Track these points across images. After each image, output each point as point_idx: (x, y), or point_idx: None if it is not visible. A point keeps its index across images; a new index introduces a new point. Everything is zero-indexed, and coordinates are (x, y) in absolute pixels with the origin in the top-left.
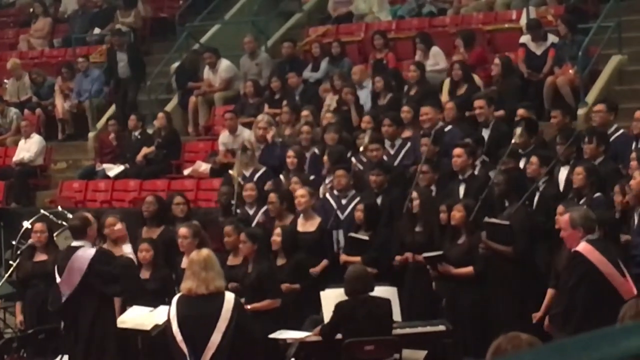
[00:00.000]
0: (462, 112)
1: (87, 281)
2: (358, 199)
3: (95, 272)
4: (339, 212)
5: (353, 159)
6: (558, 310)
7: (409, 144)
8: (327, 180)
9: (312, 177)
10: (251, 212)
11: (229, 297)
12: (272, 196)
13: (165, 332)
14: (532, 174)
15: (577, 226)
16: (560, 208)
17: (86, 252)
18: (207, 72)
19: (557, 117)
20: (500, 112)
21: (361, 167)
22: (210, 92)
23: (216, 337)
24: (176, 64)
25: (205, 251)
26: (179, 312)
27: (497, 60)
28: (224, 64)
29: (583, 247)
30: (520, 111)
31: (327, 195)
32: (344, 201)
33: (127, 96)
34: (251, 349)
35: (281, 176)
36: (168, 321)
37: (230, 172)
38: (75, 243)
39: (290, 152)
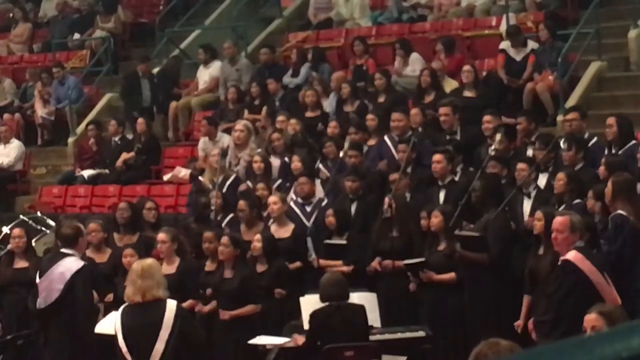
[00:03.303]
0: (428, 119)
1: (67, 293)
2: (323, 204)
3: (77, 286)
4: (304, 220)
5: (321, 166)
6: (546, 318)
7: (373, 151)
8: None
9: (278, 183)
10: (218, 218)
11: (171, 306)
12: (242, 204)
13: (113, 343)
14: (521, 180)
15: (577, 230)
16: (538, 214)
17: (73, 264)
18: (200, 71)
19: (522, 124)
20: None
21: (328, 174)
22: (198, 94)
23: (159, 347)
24: (156, 70)
25: (148, 261)
26: (123, 322)
27: (467, 67)
28: (218, 63)
29: (573, 255)
30: (487, 117)
31: (292, 203)
32: (308, 208)
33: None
34: (195, 355)
35: (248, 182)
36: (115, 332)
37: (200, 178)
38: (63, 250)
39: (257, 158)
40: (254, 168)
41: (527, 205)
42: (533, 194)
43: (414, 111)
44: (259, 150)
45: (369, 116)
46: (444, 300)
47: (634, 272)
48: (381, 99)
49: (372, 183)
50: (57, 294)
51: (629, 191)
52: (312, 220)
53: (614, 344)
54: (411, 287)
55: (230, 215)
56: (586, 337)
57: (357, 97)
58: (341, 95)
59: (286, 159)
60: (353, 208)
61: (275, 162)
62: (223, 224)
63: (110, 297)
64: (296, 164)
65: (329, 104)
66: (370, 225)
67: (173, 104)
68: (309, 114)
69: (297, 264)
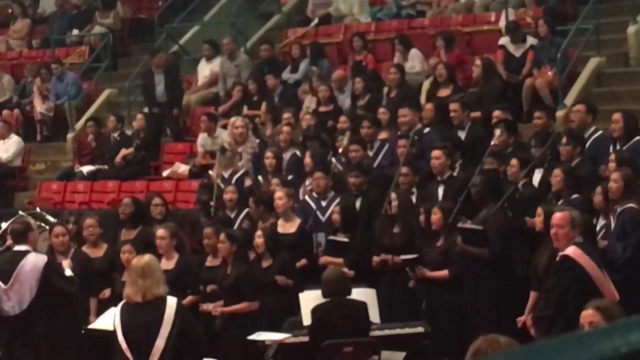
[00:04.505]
0: (442, 114)
1: (43, 288)
2: (338, 200)
3: (50, 278)
4: (319, 214)
5: (333, 160)
6: (545, 313)
7: (387, 146)
8: (307, 182)
9: (290, 178)
10: (232, 215)
11: (171, 303)
12: (250, 201)
13: (112, 340)
14: (512, 176)
15: (576, 226)
16: (539, 210)
17: (38, 258)
18: (201, 65)
19: (542, 119)
20: (476, 114)
21: (341, 169)
22: (198, 89)
23: (160, 343)
24: None
25: (145, 258)
26: (123, 319)
27: (477, 62)
28: (219, 59)
29: (572, 250)
30: (497, 112)
31: (307, 197)
32: (323, 203)
33: (163, 123)
34: (195, 351)
35: (259, 177)
36: (113, 329)
37: (210, 172)
38: (17, 248)
39: (269, 154)
40: (266, 164)
41: None
42: (520, 189)
43: (428, 106)
44: (257, 141)
45: (381, 110)
46: (438, 297)
47: None
48: (393, 94)
49: (377, 179)
50: (34, 294)
51: (636, 186)
52: (326, 215)
53: (613, 339)
54: (410, 284)
55: (246, 210)
56: (585, 333)
57: (370, 92)
58: (354, 90)
59: (298, 152)
60: (357, 204)
61: (284, 155)
62: (239, 219)
63: (105, 293)
64: (307, 159)
65: (342, 99)
66: (374, 221)
67: None
68: (322, 109)
69: (303, 261)
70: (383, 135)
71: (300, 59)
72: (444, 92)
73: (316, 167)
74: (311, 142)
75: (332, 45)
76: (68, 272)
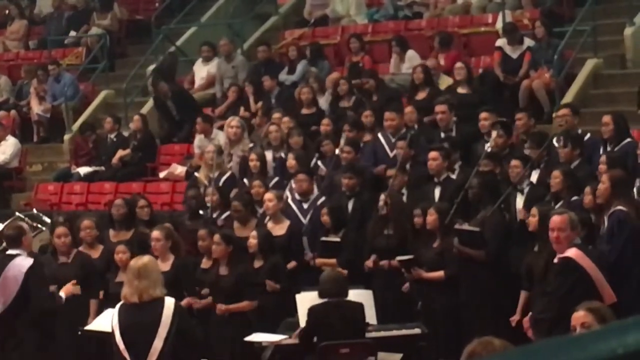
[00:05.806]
0: (422, 117)
1: (23, 291)
2: (320, 202)
3: (31, 282)
4: (301, 217)
5: (319, 163)
6: (546, 315)
7: (368, 148)
8: (293, 185)
9: (275, 180)
10: (214, 216)
11: (169, 303)
12: (237, 205)
13: (110, 341)
14: (515, 177)
15: (576, 228)
16: (533, 210)
17: (23, 262)
18: (198, 67)
19: (522, 120)
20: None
21: (325, 170)
22: (195, 91)
23: (157, 344)
24: (152, 67)
25: (144, 259)
26: (121, 320)
27: (459, 64)
28: (216, 61)
29: (574, 252)
30: (484, 115)
31: (290, 200)
32: (305, 205)
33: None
34: (193, 352)
35: (245, 180)
36: (111, 330)
37: (197, 174)
38: (10, 252)
39: (253, 156)
40: (250, 166)
41: (519, 201)
42: (526, 190)
43: (408, 109)
44: (252, 145)
45: (366, 113)
46: (435, 298)
47: (636, 269)
48: (374, 98)
49: (368, 180)
50: (13, 295)
51: (626, 187)
52: (308, 217)
53: (609, 341)
54: (404, 288)
55: (227, 213)
56: (581, 334)
57: (354, 94)
58: (338, 91)
59: (282, 154)
60: (350, 205)
61: (269, 155)
62: (219, 221)
63: (101, 294)
64: (291, 161)
65: (324, 102)
66: (366, 223)
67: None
68: (305, 111)
69: (293, 264)
70: (367, 137)
71: (297, 60)
72: (420, 95)
73: (303, 168)
74: (293, 138)
75: (329, 46)
76: (62, 294)
